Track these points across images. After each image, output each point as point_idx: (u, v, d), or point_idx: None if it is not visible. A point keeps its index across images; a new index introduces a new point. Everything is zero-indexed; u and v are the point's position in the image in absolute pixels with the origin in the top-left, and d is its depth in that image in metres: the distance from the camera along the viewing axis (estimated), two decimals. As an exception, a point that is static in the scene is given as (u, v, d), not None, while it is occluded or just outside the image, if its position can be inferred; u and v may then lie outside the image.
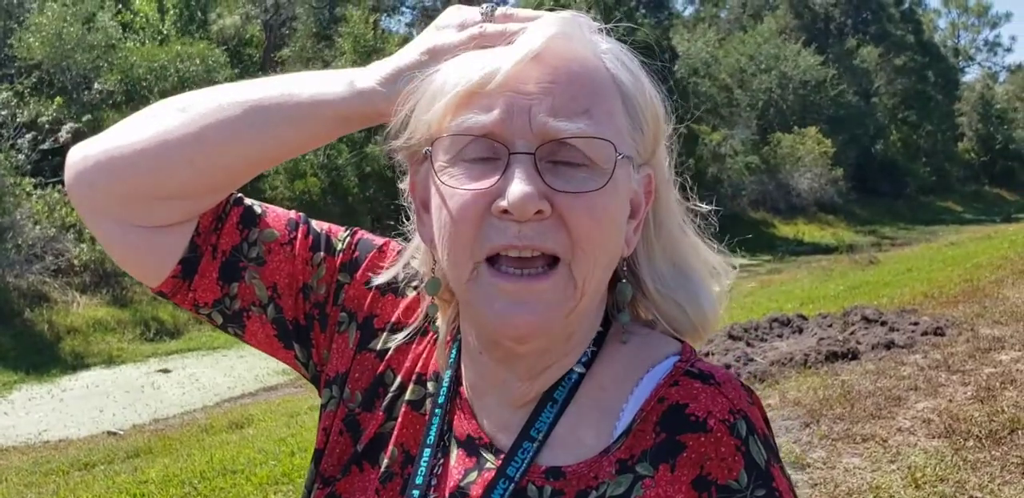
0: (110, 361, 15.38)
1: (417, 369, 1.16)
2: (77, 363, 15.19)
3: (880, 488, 4.95)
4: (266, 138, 1.10)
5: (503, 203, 0.95)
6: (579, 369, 1.06)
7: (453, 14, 1.09)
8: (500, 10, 1.07)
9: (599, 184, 0.97)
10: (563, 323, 1.01)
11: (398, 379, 1.16)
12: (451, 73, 1.01)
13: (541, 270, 0.97)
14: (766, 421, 1.04)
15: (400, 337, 1.17)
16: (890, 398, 6.46)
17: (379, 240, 1.23)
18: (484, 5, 1.08)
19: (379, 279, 1.19)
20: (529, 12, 1.06)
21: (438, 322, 1.15)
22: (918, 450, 5.46)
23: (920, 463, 5.20)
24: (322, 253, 1.20)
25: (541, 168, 0.96)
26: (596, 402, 1.05)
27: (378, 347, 1.18)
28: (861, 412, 6.17)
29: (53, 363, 15.00)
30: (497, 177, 0.96)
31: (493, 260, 0.98)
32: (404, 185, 1.11)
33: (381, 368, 1.17)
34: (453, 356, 1.13)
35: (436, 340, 1.16)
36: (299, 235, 1.20)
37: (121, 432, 10.67)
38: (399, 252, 1.20)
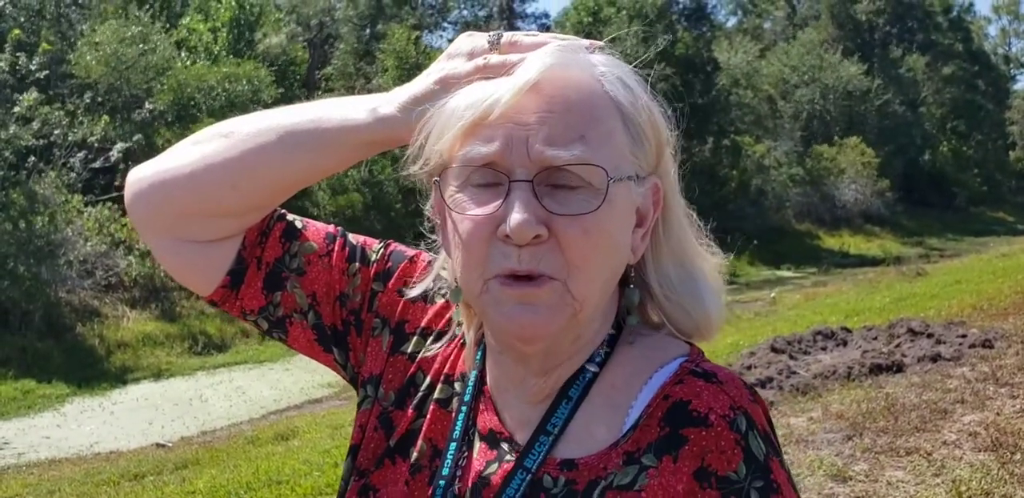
0: (159, 374, 15.62)
1: (445, 370, 1.24)
2: (127, 377, 15.44)
3: (924, 501, 4.90)
4: (299, 162, 1.20)
5: (506, 229, 1.03)
6: (593, 368, 1.13)
7: (464, 42, 1.17)
8: (506, 37, 1.14)
9: (594, 206, 1.04)
10: (566, 325, 1.08)
11: (428, 379, 1.24)
12: (458, 104, 1.08)
13: (539, 277, 1.05)
14: (768, 419, 1.10)
15: (429, 341, 1.26)
16: (935, 411, 6.38)
17: (411, 251, 1.32)
18: (491, 33, 1.15)
19: (412, 292, 1.27)
20: (534, 38, 1.13)
21: (463, 326, 1.23)
22: (963, 463, 5.39)
23: (965, 477, 5.14)
24: (357, 264, 1.28)
25: (540, 193, 1.03)
26: (608, 400, 1.12)
27: (409, 350, 1.26)
28: (905, 425, 6.10)
29: (104, 377, 15.26)
30: (500, 203, 1.04)
31: (498, 276, 1.07)
32: (429, 204, 1.20)
33: (412, 369, 1.26)
34: (479, 357, 1.21)
35: (462, 343, 1.24)
36: (336, 247, 1.29)
37: (170, 444, 10.83)
38: (429, 263, 1.28)
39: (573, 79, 1.07)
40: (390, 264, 1.29)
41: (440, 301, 1.28)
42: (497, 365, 1.18)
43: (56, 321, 16.71)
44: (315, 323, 1.27)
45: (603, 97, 1.07)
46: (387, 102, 1.18)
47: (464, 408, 1.19)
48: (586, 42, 1.14)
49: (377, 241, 1.33)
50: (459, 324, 1.24)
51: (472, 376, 1.20)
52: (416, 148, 1.14)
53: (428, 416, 1.21)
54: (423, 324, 1.27)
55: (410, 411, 1.23)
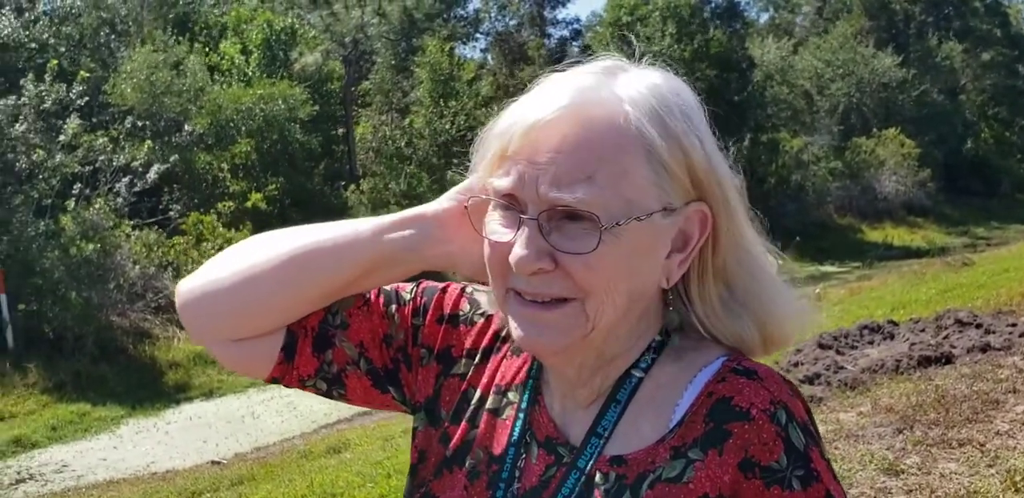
0: (211, 393, 15.81)
1: (496, 381, 1.31)
2: (180, 396, 15.64)
3: (978, 493, 4.85)
4: (313, 280, 1.29)
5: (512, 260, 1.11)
6: (639, 374, 1.19)
7: (463, 185, 1.27)
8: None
9: (592, 246, 1.09)
10: (581, 345, 1.15)
11: (478, 392, 1.31)
12: (496, 126, 1.17)
13: (550, 301, 1.12)
14: (807, 411, 1.15)
15: (477, 359, 1.33)
16: (987, 402, 6.31)
17: (441, 284, 1.41)
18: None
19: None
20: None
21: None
22: (1017, 453, 5.33)
23: (1020, 466, 5.08)
24: (394, 306, 1.36)
25: (548, 227, 1.10)
26: (653, 399, 1.18)
27: (460, 371, 1.34)
28: (957, 417, 6.04)
29: (157, 397, 15.47)
30: (515, 233, 1.12)
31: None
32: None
33: (464, 387, 1.33)
34: (535, 367, 1.28)
35: (507, 354, 1.31)
36: (372, 296, 1.36)
37: (224, 461, 10.97)
38: (461, 290, 1.37)
39: (591, 117, 1.10)
40: (425, 299, 1.37)
41: (480, 321, 1.35)
42: (548, 372, 1.25)
43: (108, 344, 16.97)
44: (368, 369, 1.34)
45: (623, 133, 1.10)
46: (390, 225, 1.28)
47: (522, 415, 1.25)
48: (621, 63, 1.17)
49: (409, 283, 1.40)
50: (506, 336, 1.31)
51: (528, 385, 1.27)
52: (473, 159, 1.24)
53: (481, 426, 1.28)
54: (468, 345, 1.34)
55: (464, 424, 1.30)
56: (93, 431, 13.61)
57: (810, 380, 7.69)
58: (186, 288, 1.32)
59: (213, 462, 10.95)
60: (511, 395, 1.28)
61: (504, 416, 1.27)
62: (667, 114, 1.12)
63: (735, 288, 1.20)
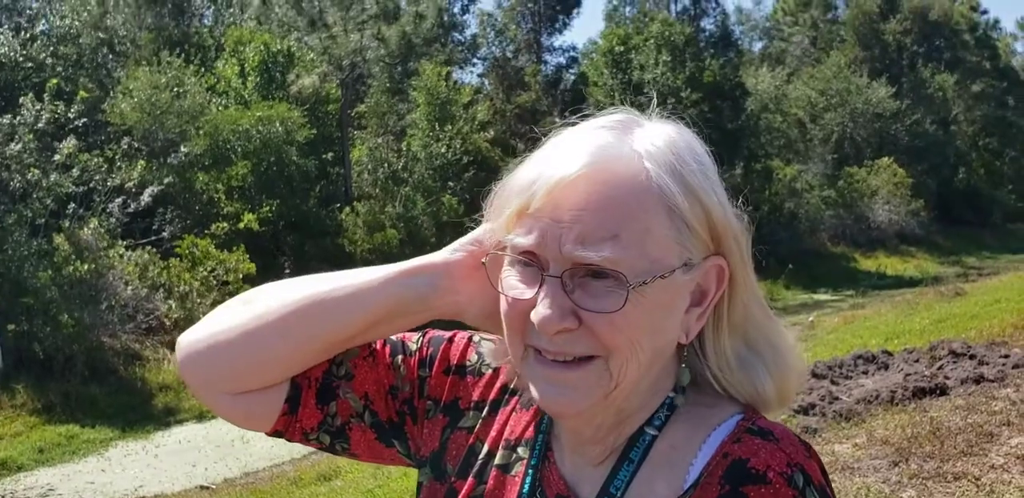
0: (201, 416, 15.71)
1: (505, 435, 1.28)
2: (170, 419, 15.55)
3: (974, 527, 4.83)
4: (320, 331, 1.26)
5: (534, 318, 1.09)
6: (652, 431, 1.17)
7: (471, 235, 1.27)
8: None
9: (619, 305, 1.07)
10: (602, 404, 1.13)
11: (486, 447, 1.29)
12: (515, 185, 1.15)
13: (572, 360, 1.10)
14: (824, 473, 1.13)
15: (485, 412, 1.31)
16: (982, 434, 6.30)
17: (448, 333, 1.38)
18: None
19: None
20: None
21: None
22: (1013, 488, 5.32)
23: (1015, 501, 5.07)
24: (400, 356, 1.34)
25: (571, 285, 1.08)
26: (668, 458, 1.15)
27: (467, 424, 1.31)
28: (952, 449, 6.03)
29: (147, 420, 15.38)
30: (535, 290, 1.10)
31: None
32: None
33: (471, 440, 1.30)
34: (545, 422, 1.25)
35: (516, 407, 1.29)
36: (377, 346, 1.34)
37: (213, 486, 10.89)
38: (468, 339, 1.35)
39: (615, 175, 1.09)
40: (431, 349, 1.35)
41: (488, 372, 1.33)
42: (560, 429, 1.23)
43: (99, 365, 16.89)
44: (372, 421, 1.32)
45: (645, 191, 1.09)
46: (396, 274, 1.26)
47: (531, 471, 1.22)
48: (637, 119, 1.17)
49: (416, 332, 1.38)
50: (516, 391, 1.29)
51: (539, 440, 1.24)
52: (488, 211, 1.22)
53: (490, 482, 1.25)
54: (476, 397, 1.32)
55: (471, 479, 1.27)
56: (81, 454, 13.51)
57: (805, 410, 7.67)
58: (188, 341, 1.28)
59: (202, 487, 10.87)
60: (520, 450, 1.26)
61: (513, 472, 1.24)
62: (685, 170, 1.11)
63: (752, 342, 1.19)
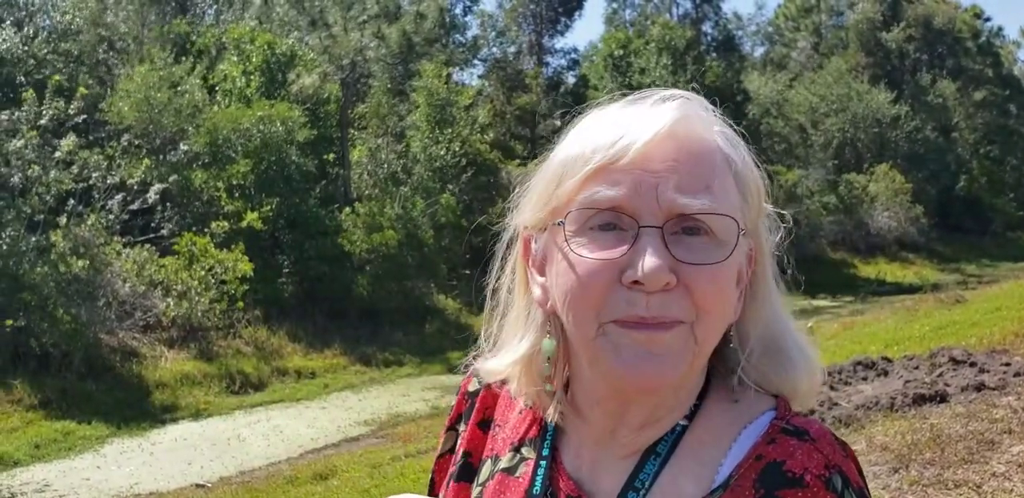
0: (197, 414, 15.70)
1: (513, 441, 1.23)
2: (166, 417, 15.53)
3: (975, 535, 4.80)
4: None
5: (635, 275, 1.01)
6: (683, 422, 1.12)
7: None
8: None
9: (721, 256, 1.04)
10: (681, 376, 1.06)
11: (487, 459, 1.25)
12: (582, 151, 1.08)
13: (666, 324, 1.03)
14: (860, 473, 1.09)
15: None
16: (982, 442, 6.27)
17: (448, 422, 1.35)
18: None
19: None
20: None
21: (551, 379, 1.18)
22: (1014, 496, 5.29)
23: (1017, 509, 5.04)
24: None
25: (668, 240, 1.03)
26: (696, 455, 1.10)
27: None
28: (952, 457, 6.00)
29: (143, 417, 15.35)
30: (626, 247, 1.03)
31: (617, 321, 1.04)
32: (513, 253, 1.20)
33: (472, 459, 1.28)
34: (552, 427, 1.19)
35: (507, 421, 1.25)
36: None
37: (209, 484, 10.86)
38: (462, 394, 1.33)
39: (697, 132, 1.08)
40: (449, 444, 1.34)
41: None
42: (579, 423, 1.16)
43: (96, 362, 16.87)
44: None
45: (720, 153, 1.08)
46: None
47: (543, 463, 1.17)
48: (701, 100, 1.15)
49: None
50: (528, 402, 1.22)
51: (547, 439, 1.19)
52: (525, 193, 1.16)
53: (492, 486, 1.21)
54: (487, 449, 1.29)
55: (475, 485, 1.24)
56: (77, 450, 13.48)
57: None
58: None
59: (197, 485, 10.85)
60: (524, 451, 1.21)
61: (517, 474, 1.19)
62: (739, 144, 1.13)
63: (775, 330, 1.14)
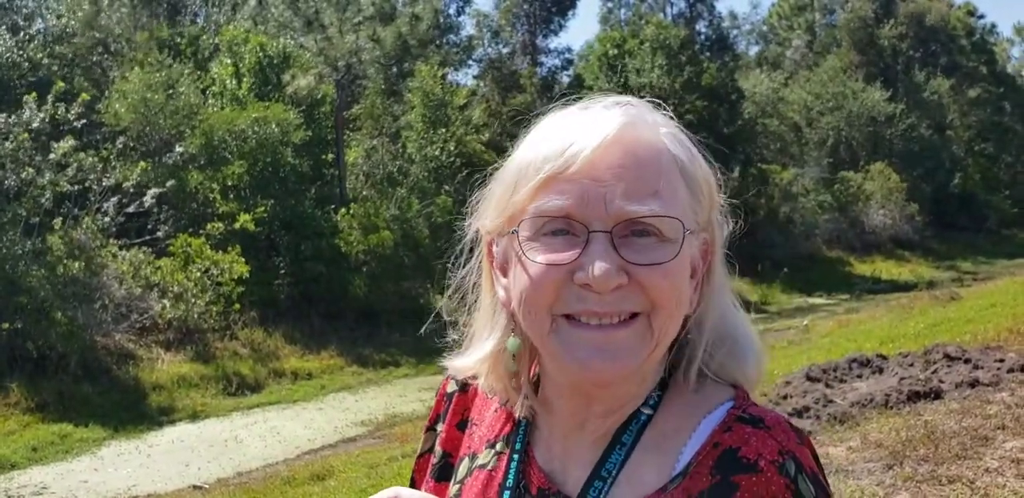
0: (194, 416, 15.69)
1: (488, 438, 1.29)
2: (163, 419, 15.51)
3: (969, 531, 4.83)
4: None
5: (585, 277, 1.07)
6: (647, 411, 1.16)
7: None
8: None
9: (670, 255, 1.09)
10: (639, 369, 1.12)
11: (464, 457, 1.31)
12: (535, 157, 1.13)
13: (619, 320, 1.09)
14: (816, 460, 1.12)
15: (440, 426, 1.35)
16: (976, 438, 6.30)
17: (427, 422, 1.41)
18: None
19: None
20: None
21: (517, 374, 1.25)
22: (1007, 491, 5.32)
23: (1010, 504, 5.07)
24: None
25: (617, 243, 1.08)
26: (658, 445, 1.15)
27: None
28: (946, 453, 6.03)
29: (140, 419, 15.34)
30: (577, 251, 1.09)
31: (569, 315, 1.10)
32: (473, 262, 1.26)
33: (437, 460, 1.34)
34: (524, 423, 1.25)
35: (495, 409, 1.29)
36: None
37: (206, 486, 10.86)
38: (441, 396, 1.38)
39: (642, 137, 1.12)
40: (428, 443, 1.39)
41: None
42: (551, 413, 1.21)
43: (92, 365, 16.85)
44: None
45: (668, 155, 1.13)
46: None
47: (516, 456, 1.22)
48: (644, 103, 1.19)
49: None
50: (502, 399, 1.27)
51: (520, 434, 1.24)
52: (484, 200, 1.21)
53: (468, 481, 1.26)
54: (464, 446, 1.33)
55: (452, 484, 1.29)
56: (74, 452, 13.47)
57: (799, 413, 7.68)
58: None
59: (195, 487, 10.85)
60: (499, 446, 1.26)
61: (490, 468, 1.25)
62: (685, 142, 1.17)
63: (728, 322, 1.20)
